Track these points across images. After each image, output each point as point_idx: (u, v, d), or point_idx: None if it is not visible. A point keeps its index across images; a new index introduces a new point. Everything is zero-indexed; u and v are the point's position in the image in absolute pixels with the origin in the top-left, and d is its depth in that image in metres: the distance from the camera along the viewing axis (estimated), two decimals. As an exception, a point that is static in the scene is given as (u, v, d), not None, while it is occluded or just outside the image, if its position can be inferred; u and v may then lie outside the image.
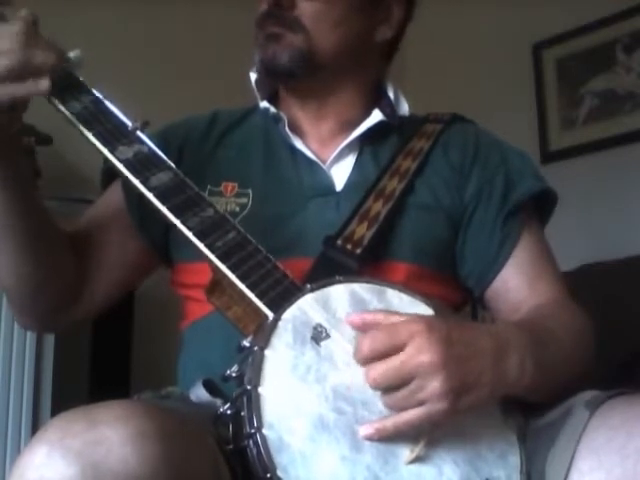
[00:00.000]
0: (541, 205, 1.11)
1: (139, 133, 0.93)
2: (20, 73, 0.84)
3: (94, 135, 0.91)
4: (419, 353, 0.75)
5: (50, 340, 1.75)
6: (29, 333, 1.71)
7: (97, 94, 0.95)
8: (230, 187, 1.05)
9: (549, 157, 2.36)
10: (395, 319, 0.79)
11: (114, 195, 1.11)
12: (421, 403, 0.75)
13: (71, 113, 0.92)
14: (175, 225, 0.87)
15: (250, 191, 1.05)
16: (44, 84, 0.85)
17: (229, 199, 1.04)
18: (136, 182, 0.89)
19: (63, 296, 1.05)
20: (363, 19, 1.08)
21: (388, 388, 0.76)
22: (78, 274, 1.05)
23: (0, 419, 1.65)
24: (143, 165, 0.90)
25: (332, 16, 1.05)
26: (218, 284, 0.89)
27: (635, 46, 2.27)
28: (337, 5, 1.05)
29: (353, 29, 1.07)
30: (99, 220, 1.10)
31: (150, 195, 0.88)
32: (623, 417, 0.76)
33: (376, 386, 0.76)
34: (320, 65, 1.05)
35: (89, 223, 1.10)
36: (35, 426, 1.67)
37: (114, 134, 0.92)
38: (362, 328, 0.80)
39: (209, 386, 0.92)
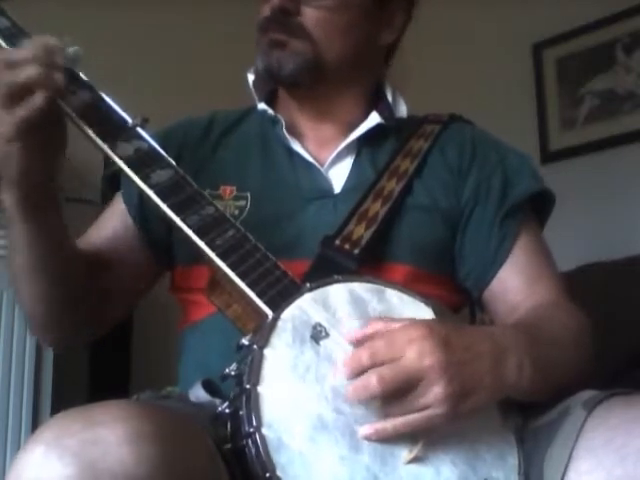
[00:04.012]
0: (539, 206, 1.11)
1: (139, 129, 0.93)
2: (16, 96, 0.83)
3: (94, 132, 0.91)
4: (420, 358, 0.75)
5: (50, 340, 1.75)
6: (29, 334, 1.71)
7: (96, 90, 0.95)
8: (228, 190, 1.05)
9: (549, 157, 2.36)
10: (394, 327, 0.79)
11: (116, 211, 1.10)
12: (422, 408, 0.75)
13: (70, 109, 0.91)
14: (175, 223, 0.87)
15: (248, 194, 1.04)
16: (38, 98, 0.83)
17: (228, 202, 1.03)
18: (137, 179, 0.89)
19: (88, 316, 1.04)
20: (367, 25, 1.08)
21: (389, 394, 0.75)
22: (98, 294, 1.05)
23: (0, 419, 1.65)
24: (143, 162, 0.90)
25: (337, 23, 1.04)
26: (218, 283, 0.88)
27: (635, 46, 2.27)
28: (342, 13, 1.04)
29: (358, 35, 1.07)
30: (109, 240, 1.09)
31: (150, 192, 0.88)
32: (622, 417, 0.76)
33: (379, 393, 0.75)
34: (325, 72, 1.05)
35: (98, 242, 1.09)
36: (35, 426, 1.67)
37: (114, 130, 0.91)
38: (364, 341, 0.80)
39: (208, 386, 0.92)
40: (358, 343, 0.79)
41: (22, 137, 0.84)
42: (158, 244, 1.09)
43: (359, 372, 0.76)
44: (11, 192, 0.88)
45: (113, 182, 1.11)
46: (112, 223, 1.10)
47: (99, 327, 1.09)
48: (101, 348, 1.94)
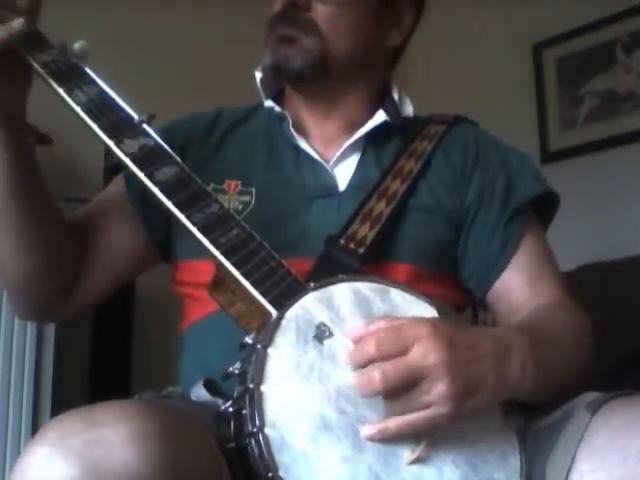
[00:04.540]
0: (542, 207, 1.11)
1: (145, 126, 0.93)
2: None
3: (99, 127, 0.91)
4: (425, 356, 0.74)
5: (50, 340, 1.75)
6: (29, 333, 1.71)
7: (103, 86, 0.95)
8: (233, 185, 1.05)
9: (549, 157, 2.36)
10: (399, 323, 0.79)
11: (116, 188, 1.11)
12: (425, 406, 0.75)
13: (76, 104, 0.92)
14: (179, 220, 0.87)
15: (253, 189, 1.04)
16: (17, 22, 0.86)
17: (232, 196, 1.03)
18: (141, 176, 0.89)
19: (61, 283, 1.05)
20: (376, 24, 1.08)
21: (391, 391, 0.75)
22: (78, 263, 1.06)
23: (0, 419, 1.65)
24: (148, 159, 0.90)
25: (346, 20, 1.05)
26: (222, 280, 0.88)
27: (635, 46, 2.27)
28: (352, 9, 1.05)
29: (366, 34, 1.07)
30: (100, 212, 1.10)
31: (155, 189, 0.88)
32: (624, 418, 0.76)
33: (381, 389, 0.75)
34: (332, 69, 1.05)
35: (90, 214, 1.10)
36: (35, 426, 1.67)
37: (119, 127, 0.92)
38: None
39: (210, 386, 0.92)
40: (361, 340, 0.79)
41: None
42: (157, 236, 1.09)
43: (364, 363, 0.76)
44: None
45: (116, 173, 1.12)
46: (111, 194, 1.12)
47: (74, 300, 1.08)
48: (101, 348, 1.95)
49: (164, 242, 1.10)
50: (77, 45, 0.95)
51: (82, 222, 1.09)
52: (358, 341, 0.79)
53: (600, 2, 2.30)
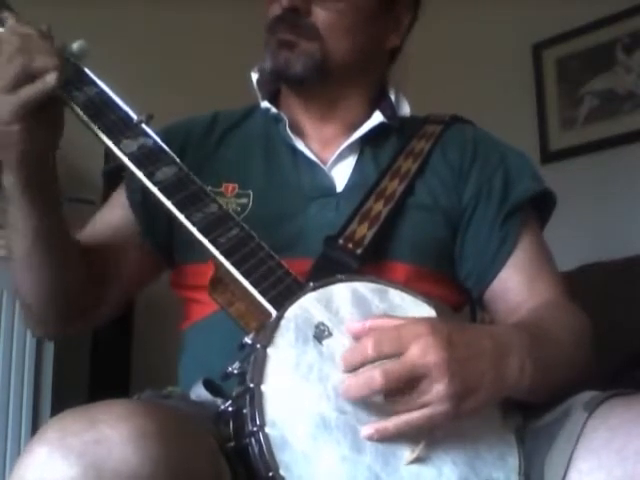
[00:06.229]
0: (540, 206, 1.11)
1: (144, 126, 0.93)
2: (24, 78, 0.84)
3: (99, 127, 0.91)
4: (423, 356, 0.74)
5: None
6: (29, 334, 1.70)
7: (102, 86, 0.95)
8: (231, 187, 1.05)
9: (549, 157, 2.36)
10: (397, 323, 0.79)
11: (119, 201, 1.11)
12: (424, 405, 0.75)
13: (75, 104, 0.92)
14: (179, 220, 0.87)
15: (251, 192, 1.04)
16: (51, 77, 0.84)
17: (229, 199, 1.03)
18: (141, 176, 0.89)
19: (82, 306, 1.04)
20: (374, 28, 1.08)
21: (390, 390, 0.75)
22: (92, 283, 1.05)
23: (0, 419, 1.65)
24: (148, 159, 0.90)
25: (346, 24, 1.05)
26: (221, 281, 0.89)
27: (635, 46, 2.27)
28: (351, 14, 1.05)
29: (365, 38, 1.07)
30: (107, 231, 1.09)
31: (155, 189, 0.88)
32: (622, 418, 0.76)
33: (381, 388, 0.75)
34: (332, 73, 1.06)
35: (98, 234, 1.09)
36: (35, 426, 1.67)
37: (119, 127, 0.92)
38: (365, 334, 0.79)
39: (209, 386, 0.92)
40: (358, 335, 0.79)
41: (24, 119, 0.85)
42: (159, 241, 1.09)
43: (361, 364, 0.76)
44: (12, 174, 0.89)
45: (113, 177, 1.11)
46: (113, 214, 1.11)
47: (90, 321, 1.09)
48: (101, 348, 1.94)
49: (168, 249, 1.09)
50: (76, 45, 0.95)
51: (92, 241, 1.07)
52: (356, 337, 0.79)
53: (600, 2, 2.30)
